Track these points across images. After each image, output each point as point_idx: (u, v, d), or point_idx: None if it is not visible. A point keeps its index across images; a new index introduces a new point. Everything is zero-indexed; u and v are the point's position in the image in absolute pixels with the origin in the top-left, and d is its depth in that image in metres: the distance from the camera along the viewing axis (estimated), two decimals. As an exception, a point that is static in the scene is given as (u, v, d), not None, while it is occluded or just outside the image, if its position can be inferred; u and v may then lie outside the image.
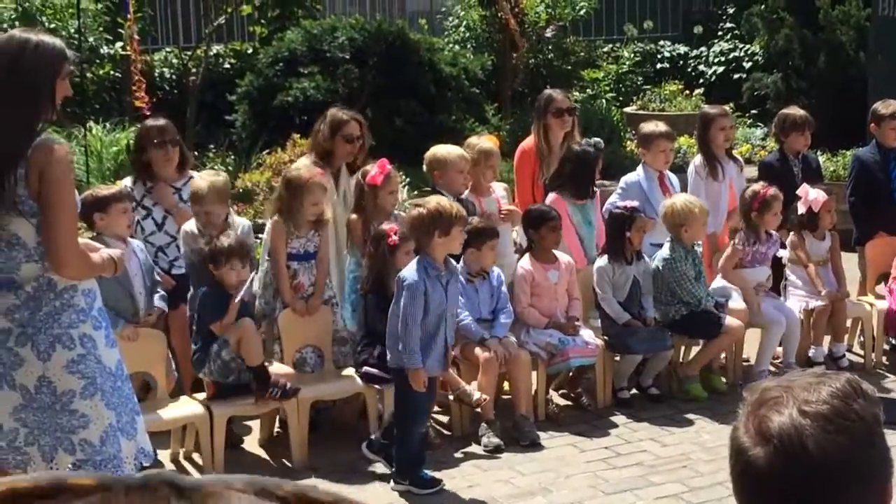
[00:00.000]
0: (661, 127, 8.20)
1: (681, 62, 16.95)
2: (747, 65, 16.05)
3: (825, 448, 1.77)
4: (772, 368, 7.66)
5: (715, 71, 16.45)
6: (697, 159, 8.50)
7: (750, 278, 7.74)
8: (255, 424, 6.91)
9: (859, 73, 13.10)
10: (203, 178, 6.82)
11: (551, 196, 7.75)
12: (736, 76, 16.04)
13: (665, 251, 7.51)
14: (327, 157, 7.27)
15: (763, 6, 15.03)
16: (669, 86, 15.19)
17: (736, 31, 16.72)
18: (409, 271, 6.09)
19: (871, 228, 8.41)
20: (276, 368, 6.47)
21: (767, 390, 1.87)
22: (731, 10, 17.24)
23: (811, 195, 7.89)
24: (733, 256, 7.72)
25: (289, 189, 6.75)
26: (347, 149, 7.32)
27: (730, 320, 7.42)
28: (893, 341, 8.18)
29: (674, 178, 8.27)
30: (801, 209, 7.95)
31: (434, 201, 6.20)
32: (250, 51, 14.61)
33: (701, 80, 16.40)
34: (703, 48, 16.93)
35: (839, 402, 1.81)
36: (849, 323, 8.17)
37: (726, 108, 9.03)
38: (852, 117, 12.00)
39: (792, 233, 8.02)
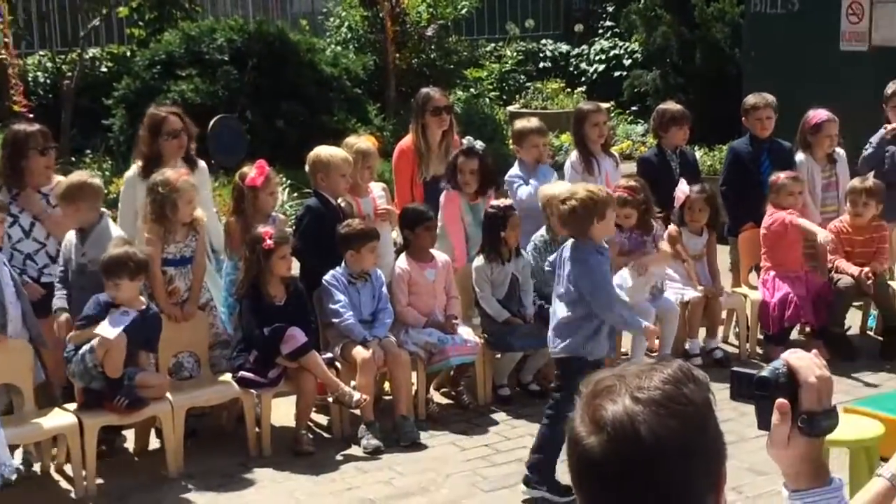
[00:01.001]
0: (532, 123, 8.27)
1: (562, 61, 17.11)
2: (627, 62, 16.26)
3: (657, 433, 1.77)
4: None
5: (596, 69, 16.63)
6: (573, 155, 8.59)
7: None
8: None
9: (735, 69, 13.34)
10: (76, 176, 6.77)
11: (446, 193, 7.74)
12: (616, 74, 16.24)
13: (537, 236, 7.57)
14: (156, 160, 7.11)
15: (641, 4, 15.23)
16: (551, 84, 15.32)
17: (616, 30, 16.93)
18: (589, 254, 5.96)
19: (743, 219, 8.55)
20: (146, 377, 6.35)
21: (601, 380, 1.87)
22: (610, 9, 17.44)
23: (681, 188, 8.02)
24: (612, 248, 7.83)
25: (159, 194, 6.62)
26: (174, 144, 7.19)
27: None
28: (767, 333, 8.32)
29: (549, 171, 8.34)
30: (677, 203, 8.07)
31: (582, 189, 6.09)
32: (128, 54, 14.35)
33: (583, 78, 16.57)
34: (584, 46, 17.11)
35: (671, 388, 1.82)
36: (724, 314, 8.29)
37: (600, 104, 9.12)
38: (728, 113, 12.19)
39: (670, 227, 8.13)
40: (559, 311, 6.05)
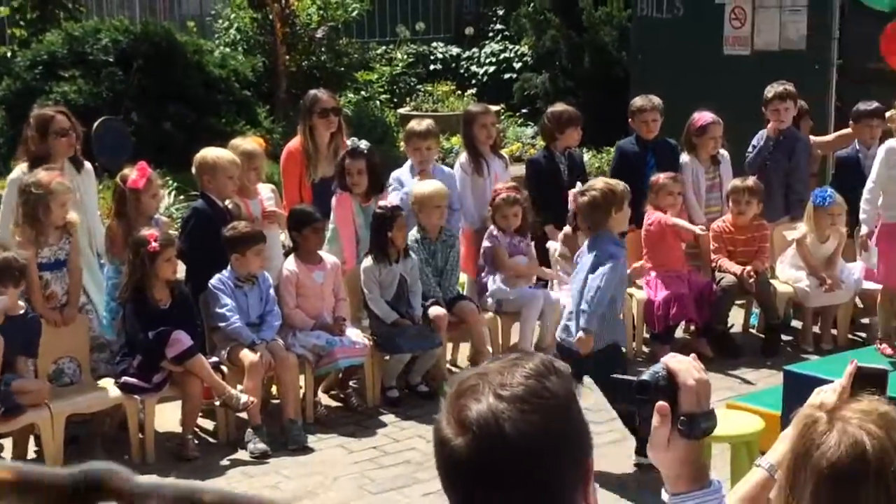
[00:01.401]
0: (422, 125, 8.27)
1: (453, 63, 17.14)
2: (517, 65, 16.35)
3: (521, 429, 1.76)
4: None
5: (486, 71, 16.70)
6: (463, 156, 8.65)
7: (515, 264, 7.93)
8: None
9: (622, 71, 13.50)
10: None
11: (337, 195, 7.70)
12: (507, 76, 16.32)
13: (411, 235, 7.58)
14: (44, 160, 6.96)
15: (530, 7, 15.33)
16: (442, 86, 15.34)
17: (506, 33, 17.02)
18: (608, 248, 6.13)
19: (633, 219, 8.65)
20: (23, 383, 6.19)
21: (465, 380, 1.86)
22: (500, 12, 17.52)
23: (575, 191, 8.09)
24: (494, 250, 7.90)
25: (31, 196, 6.47)
26: (64, 143, 7.06)
27: (439, 311, 7.51)
28: (653, 331, 8.42)
29: (445, 169, 8.39)
30: (571, 206, 8.12)
31: (601, 183, 6.32)
32: (8, 54, 14.01)
33: (473, 81, 16.62)
34: (474, 49, 17.16)
35: (533, 382, 1.81)
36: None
37: (488, 106, 9.17)
38: (616, 115, 12.34)
39: (564, 228, 8.18)
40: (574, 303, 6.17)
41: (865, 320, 8.54)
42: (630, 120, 8.90)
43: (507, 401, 1.79)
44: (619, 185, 6.35)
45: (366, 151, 7.73)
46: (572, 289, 6.31)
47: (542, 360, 1.88)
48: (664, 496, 2.26)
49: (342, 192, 7.71)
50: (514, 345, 7.81)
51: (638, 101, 8.87)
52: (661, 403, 2.17)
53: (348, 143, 7.86)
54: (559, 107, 8.98)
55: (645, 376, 2.20)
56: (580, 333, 6.07)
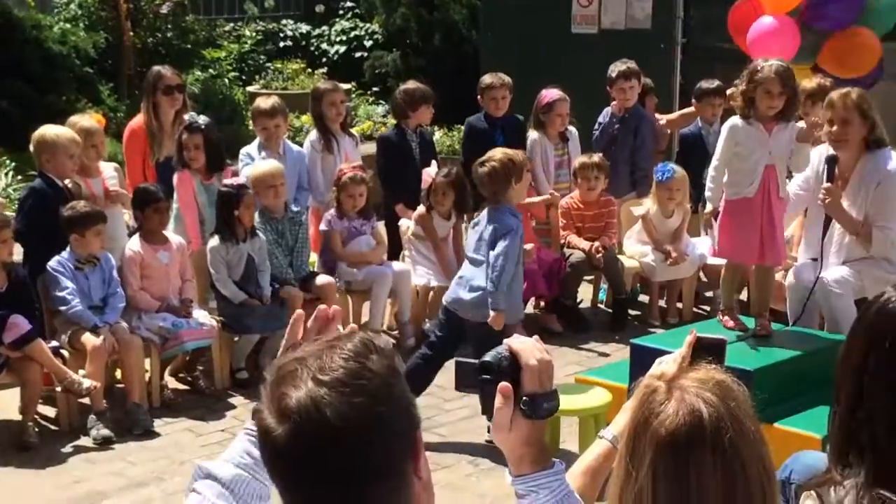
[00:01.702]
0: (268, 103, 8.20)
1: (303, 41, 16.94)
2: (368, 43, 16.24)
3: (344, 413, 1.72)
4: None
5: (337, 50, 16.54)
6: (313, 134, 8.60)
7: (354, 250, 7.87)
8: None
9: (472, 49, 13.54)
10: None
11: (178, 174, 7.56)
12: (357, 55, 16.20)
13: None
14: None
15: (380, -15, 15.27)
16: (292, 64, 15.15)
17: (356, 10, 16.89)
18: (507, 219, 6.15)
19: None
20: None
21: (283, 366, 1.81)
22: (350, -11, 17.40)
23: (428, 171, 8.08)
24: (329, 234, 7.84)
25: None
26: None
27: (294, 290, 7.44)
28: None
29: (293, 147, 8.30)
30: (424, 184, 8.10)
31: (500, 153, 6.28)
32: None
33: (324, 59, 16.45)
34: (324, 27, 16.99)
35: (353, 364, 1.77)
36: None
37: (337, 83, 9.08)
38: (467, 94, 12.36)
39: (418, 208, 8.15)
40: (476, 276, 6.18)
41: (709, 293, 8.73)
42: (479, 97, 8.93)
43: (326, 385, 1.75)
44: (519, 154, 6.44)
45: (203, 126, 7.59)
46: (470, 257, 6.33)
47: (362, 339, 1.84)
48: (507, 478, 2.25)
49: (182, 169, 7.57)
50: (364, 323, 7.77)
51: (487, 79, 8.91)
52: (503, 384, 2.16)
53: (186, 117, 7.72)
54: (411, 84, 8.96)
55: (488, 357, 2.19)
56: (492, 314, 6.08)
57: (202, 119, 7.68)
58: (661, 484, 2.09)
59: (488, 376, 2.17)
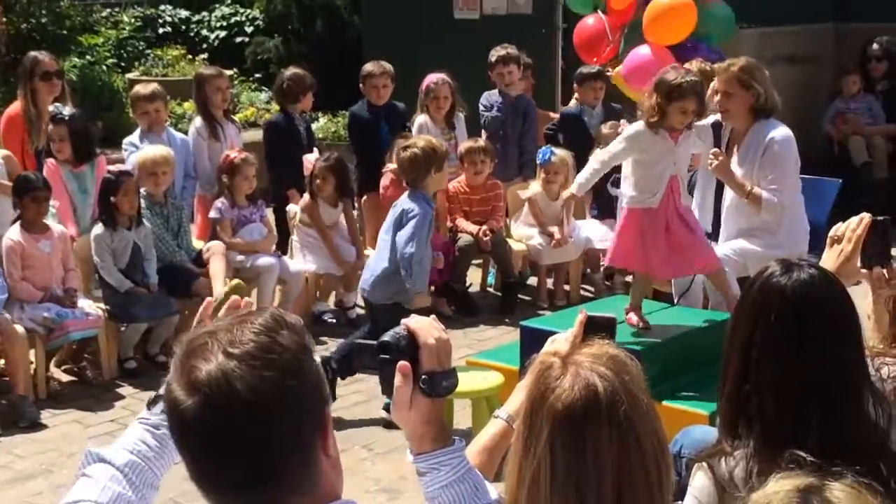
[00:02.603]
0: (147, 88, 8.14)
1: (183, 27, 16.69)
2: (249, 29, 16.06)
3: (254, 386, 1.74)
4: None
5: (218, 35, 16.33)
6: (198, 121, 8.52)
7: (248, 239, 7.81)
8: None
9: (355, 35, 13.50)
10: None
11: (47, 164, 7.47)
12: (239, 40, 16.01)
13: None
14: None
15: (261, -30, 15.13)
16: (172, 51, 14.92)
17: (237, -4, 16.71)
18: (417, 204, 6.24)
19: (368, 183, 8.67)
20: None
21: (194, 340, 1.82)
22: (229, -26, 17.19)
23: (310, 159, 8.05)
24: (219, 222, 7.77)
25: None
26: None
27: (206, 282, 7.39)
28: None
29: (177, 135, 8.22)
30: (307, 170, 8.07)
31: (423, 141, 6.47)
32: None
33: (204, 45, 16.22)
34: (204, 13, 16.76)
35: (264, 338, 1.79)
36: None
37: (221, 69, 8.99)
38: (350, 79, 12.34)
39: (305, 196, 8.11)
40: (378, 259, 6.35)
41: (598, 275, 8.84)
42: (361, 85, 8.92)
43: (237, 358, 1.76)
44: (442, 145, 6.60)
45: (67, 118, 7.50)
46: (382, 239, 6.45)
47: (273, 314, 1.86)
48: (408, 456, 2.28)
49: (49, 159, 7.52)
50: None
51: (368, 67, 8.91)
52: (402, 363, 2.18)
53: (50, 109, 7.62)
54: (295, 71, 8.94)
55: (386, 337, 2.21)
56: (415, 298, 6.24)
57: (67, 110, 7.59)
58: (558, 457, 2.15)
59: (387, 356, 2.20)
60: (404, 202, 6.34)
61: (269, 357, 1.77)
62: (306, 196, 8.08)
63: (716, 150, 6.40)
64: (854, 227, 3.32)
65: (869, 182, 10.30)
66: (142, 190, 7.38)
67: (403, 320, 2.24)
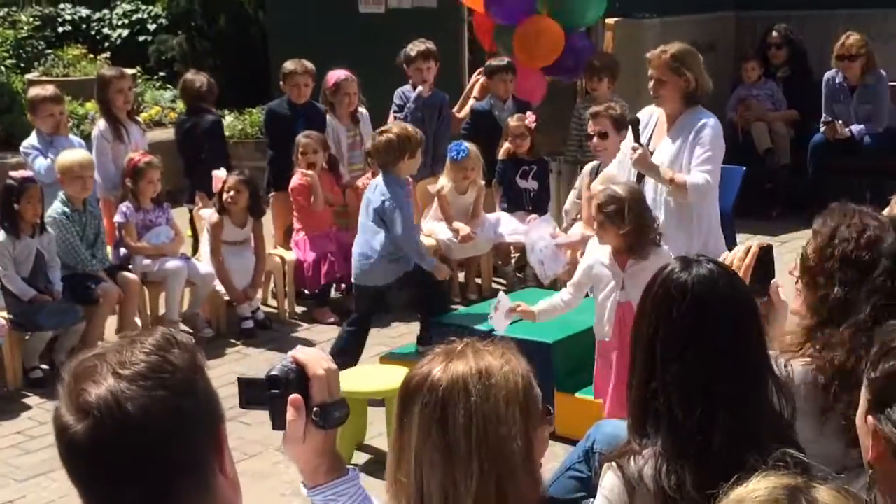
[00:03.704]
0: (47, 90, 7.97)
1: (84, 25, 16.41)
2: (152, 27, 15.84)
3: (146, 407, 1.71)
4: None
5: (120, 34, 16.08)
6: (101, 123, 8.41)
7: (154, 243, 7.70)
8: None
9: (260, 31, 13.37)
10: None
11: None
12: (142, 38, 15.79)
13: (57, 207, 7.25)
14: None
15: (161, -34, 14.93)
16: (73, 50, 14.66)
17: (138, -8, 16.47)
18: (394, 189, 6.64)
19: (280, 179, 8.60)
20: None
21: (82, 363, 1.78)
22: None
23: (219, 175, 7.93)
24: (124, 226, 7.65)
25: None
26: None
27: (110, 286, 7.30)
28: (307, 291, 8.44)
29: (69, 141, 8.08)
30: (216, 187, 7.96)
31: (398, 127, 6.80)
32: None
33: (106, 44, 15.97)
34: (105, 11, 16.49)
35: (154, 358, 1.76)
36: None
37: (123, 69, 8.85)
38: (256, 75, 12.24)
39: (211, 214, 8.00)
40: (371, 243, 6.69)
41: (511, 267, 8.87)
42: (281, 83, 8.85)
43: (127, 380, 1.72)
44: (417, 133, 6.86)
45: None
46: (361, 224, 6.82)
47: (163, 333, 1.82)
48: (302, 490, 2.28)
49: None
50: (161, 315, 7.63)
51: (289, 65, 8.83)
52: (294, 396, 2.16)
53: None
54: (196, 75, 8.89)
55: (274, 371, 2.19)
56: (437, 272, 6.87)
57: None
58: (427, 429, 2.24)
59: (277, 390, 2.17)
60: (380, 188, 6.66)
61: (160, 377, 1.73)
62: (213, 216, 7.95)
63: (635, 144, 6.43)
64: (741, 256, 3.37)
65: (772, 168, 10.47)
66: (61, 195, 7.23)
67: (291, 352, 2.22)
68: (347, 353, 6.52)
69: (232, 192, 7.84)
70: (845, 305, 3.17)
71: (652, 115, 6.66)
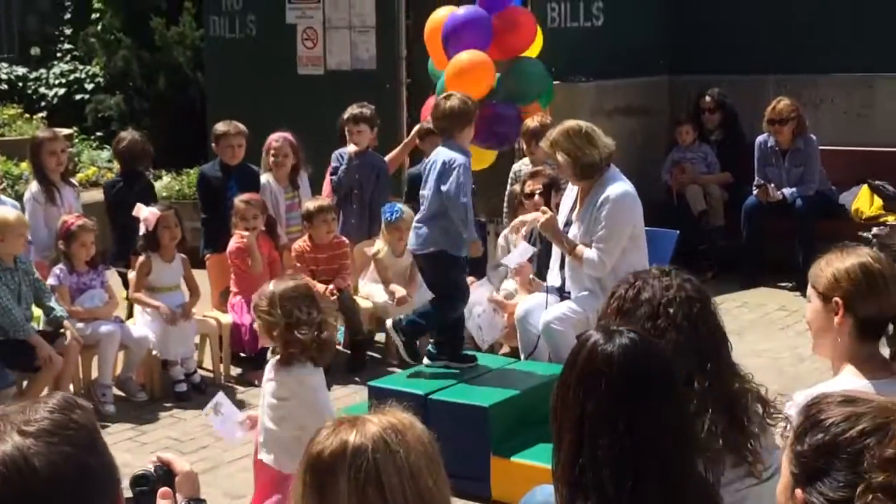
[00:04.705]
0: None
1: (20, 84, 16.32)
2: (90, 86, 15.80)
3: (54, 461, 1.75)
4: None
5: (56, 93, 16.02)
6: (34, 185, 8.36)
7: (87, 306, 7.63)
8: None
9: (199, 92, 13.37)
10: None
11: None
12: (79, 98, 15.74)
13: None
14: None
15: (99, 27, 14.89)
16: (8, 110, 14.59)
17: (75, 52, 16.40)
18: (457, 154, 6.42)
19: (215, 242, 8.55)
20: None
21: None
22: (68, 31, 16.88)
23: (143, 213, 7.88)
24: (57, 289, 7.55)
25: None
26: None
27: (52, 354, 7.12)
28: (243, 354, 8.37)
29: (7, 200, 8.02)
30: (142, 229, 7.90)
31: (461, 95, 6.57)
32: None
33: (42, 103, 15.90)
34: (42, 70, 16.42)
35: (59, 415, 1.81)
36: (197, 339, 8.23)
37: (57, 131, 8.83)
38: (194, 136, 12.21)
39: (140, 258, 7.93)
40: (422, 211, 6.55)
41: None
42: (214, 145, 8.82)
43: (32, 436, 1.76)
44: (475, 102, 6.72)
45: None
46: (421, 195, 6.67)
47: (64, 396, 1.88)
48: None
49: None
50: (94, 379, 7.54)
51: (221, 127, 8.80)
52: (164, 489, 2.27)
53: None
54: (129, 134, 8.86)
55: (140, 471, 2.32)
56: (472, 246, 6.66)
57: None
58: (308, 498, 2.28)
59: (145, 487, 2.26)
60: (443, 153, 6.49)
61: (65, 433, 1.77)
62: (142, 258, 7.89)
63: (544, 207, 6.56)
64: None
65: (706, 230, 10.60)
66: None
67: (157, 453, 2.36)
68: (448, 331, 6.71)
69: (163, 228, 7.85)
70: None
71: (573, 187, 6.84)
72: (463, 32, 8.24)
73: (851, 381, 3.42)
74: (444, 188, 6.36)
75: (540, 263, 7.42)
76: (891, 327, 3.48)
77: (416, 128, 9.29)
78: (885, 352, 3.48)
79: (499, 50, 8.31)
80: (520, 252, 7.23)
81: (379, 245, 8.54)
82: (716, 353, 3.32)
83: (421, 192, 6.61)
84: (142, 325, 7.81)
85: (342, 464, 2.25)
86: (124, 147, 8.71)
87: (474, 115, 6.61)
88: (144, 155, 8.74)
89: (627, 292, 3.35)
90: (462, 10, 8.26)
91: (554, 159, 6.68)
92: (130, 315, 8.34)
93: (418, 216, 6.62)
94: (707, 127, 11.07)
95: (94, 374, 7.64)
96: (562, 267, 6.89)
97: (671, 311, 3.27)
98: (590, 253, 6.52)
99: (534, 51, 8.68)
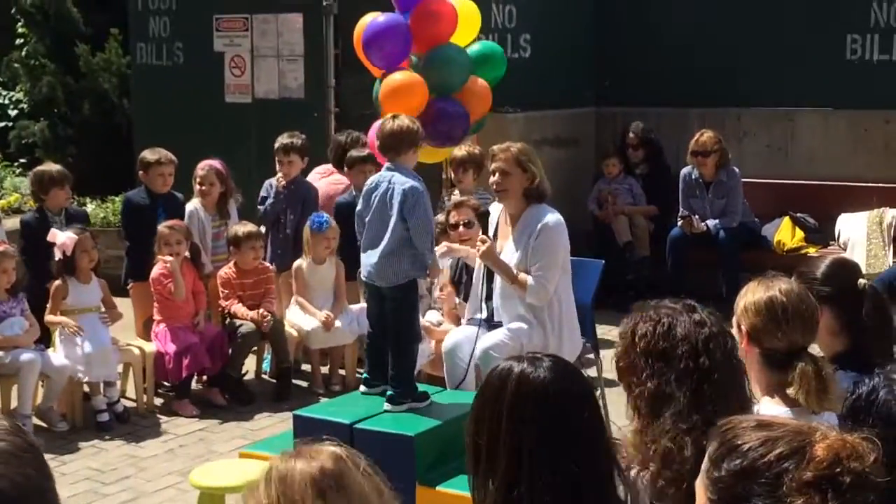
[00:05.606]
0: None
1: (-60, 111, 16.07)
2: (13, 112, 15.60)
3: (18, 483, 1.75)
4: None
5: (-20, 119, 15.80)
6: (-47, 212, 8.11)
7: (7, 334, 7.50)
8: None
9: (125, 119, 13.24)
10: None
11: None
12: (2, 124, 15.52)
13: None
14: None
15: (23, 53, 14.72)
16: (-71, 136, 14.35)
17: (-1, 79, 16.20)
18: (415, 181, 6.08)
19: (139, 270, 8.44)
20: None
21: None
22: (-9, 57, 16.66)
23: (60, 238, 7.77)
24: None
25: None
26: None
27: None
28: (166, 383, 8.28)
29: None
30: (58, 255, 7.78)
31: (406, 118, 6.28)
32: None
33: (-35, 130, 15.66)
34: (-35, 96, 16.20)
35: (15, 438, 1.81)
36: (120, 368, 8.12)
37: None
38: (120, 163, 12.07)
39: (55, 283, 7.80)
40: (378, 241, 6.13)
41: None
42: (141, 172, 8.70)
43: None
44: (421, 129, 6.35)
45: None
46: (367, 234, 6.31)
47: (11, 422, 1.87)
48: None
49: None
50: (13, 409, 7.40)
51: (150, 155, 8.67)
52: None
53: None
54: (44, 167, 8.71)
55: None
56: (432, 270, 6.41)
57: None
58: None
59: None
60: (399, 180, 6.11)
61: (25, 455, 1.78)
62: (56, 282, 7.79)
63: (483, 236, 6.54)
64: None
65: (632, 260, 10.70)
66: None
67: None
68: (382, 366, 6.25)
69: (80, 252, 7.74)
70: (661, 398, 3.16)
71: (497, 213, 6.82)
72: (382, 40, 8.03)
73: (771, 408, 3.46)
74: (412, 220, 6.07)
75: (467, 294, 7.41)
76: (798, 365, 3.45)
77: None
78: (791, 391, 3.46)
79: (421, 44, 8.06)
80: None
81: (299, 262, 8.55)
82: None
83: (365, 218, 6.31)
84: (62, 353, 7.67)
85: None
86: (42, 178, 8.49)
87: (420, 139, 6.33)
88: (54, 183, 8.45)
89: (656, 329, 3.23)
90: (381, 17, 8.05)
91: (503, 170, 6.56)
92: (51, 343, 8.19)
93: (382, 248, 6.15)
94: (632, 161, 11.19)
95: (14, 403, 7.49)
96: (488, 298, 6.89)
97: (711, 347, 3.21)
98: (532, 280, 6.54)
99: (465, 38, 8.38)
